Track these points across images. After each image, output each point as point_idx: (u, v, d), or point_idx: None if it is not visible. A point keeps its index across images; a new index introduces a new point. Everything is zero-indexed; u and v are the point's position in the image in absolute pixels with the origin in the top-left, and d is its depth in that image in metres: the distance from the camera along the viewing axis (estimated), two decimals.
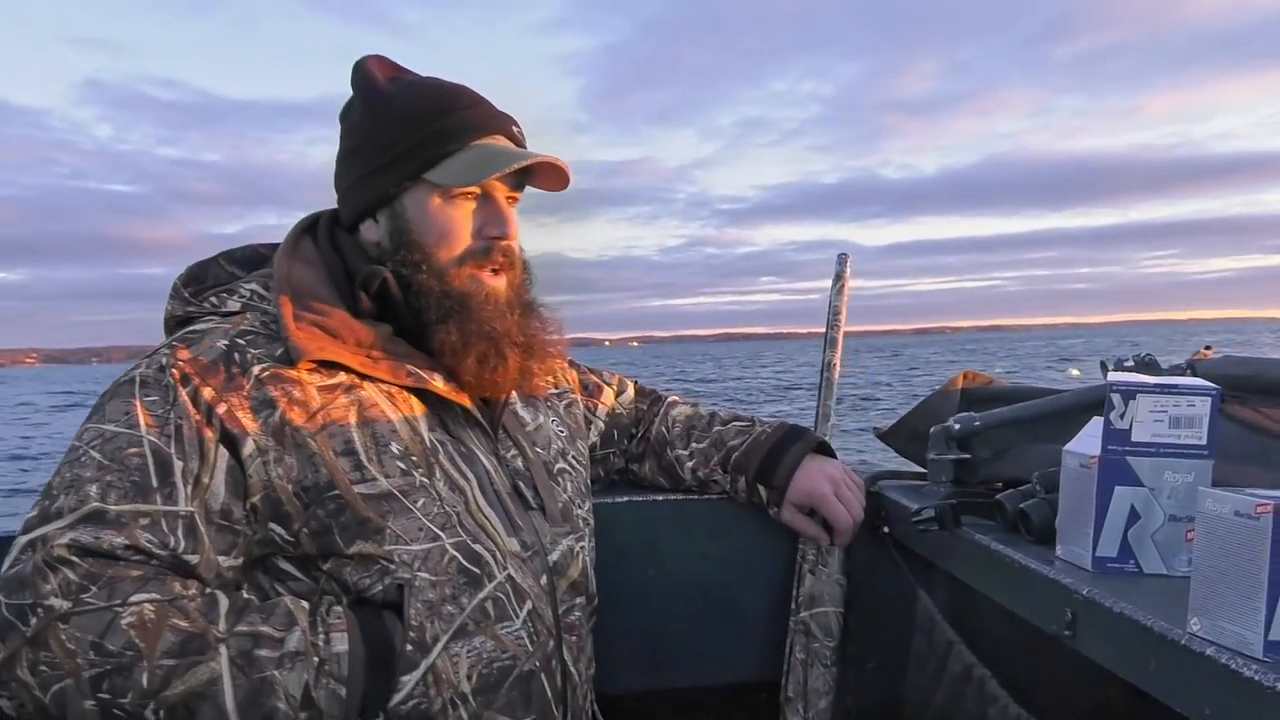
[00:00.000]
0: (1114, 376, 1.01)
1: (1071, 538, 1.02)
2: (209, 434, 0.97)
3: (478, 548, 1.05)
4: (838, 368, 1.53)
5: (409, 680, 0.96)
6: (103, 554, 0.90)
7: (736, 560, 1.48)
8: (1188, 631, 0.79)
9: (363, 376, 1.06)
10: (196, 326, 1.07)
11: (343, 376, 1.05)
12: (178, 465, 0.95)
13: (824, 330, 1.54)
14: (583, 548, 1.20)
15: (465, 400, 1.11)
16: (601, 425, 1.45)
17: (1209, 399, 0.97)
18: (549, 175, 1.16)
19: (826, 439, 1.44)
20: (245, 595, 0.96)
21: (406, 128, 1.09)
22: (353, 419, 1.03)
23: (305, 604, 0.96)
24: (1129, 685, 0.86)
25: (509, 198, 1.15)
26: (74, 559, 0.89)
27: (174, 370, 0.99)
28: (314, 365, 1.04)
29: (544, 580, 1.11)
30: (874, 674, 1.46)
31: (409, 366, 1.08)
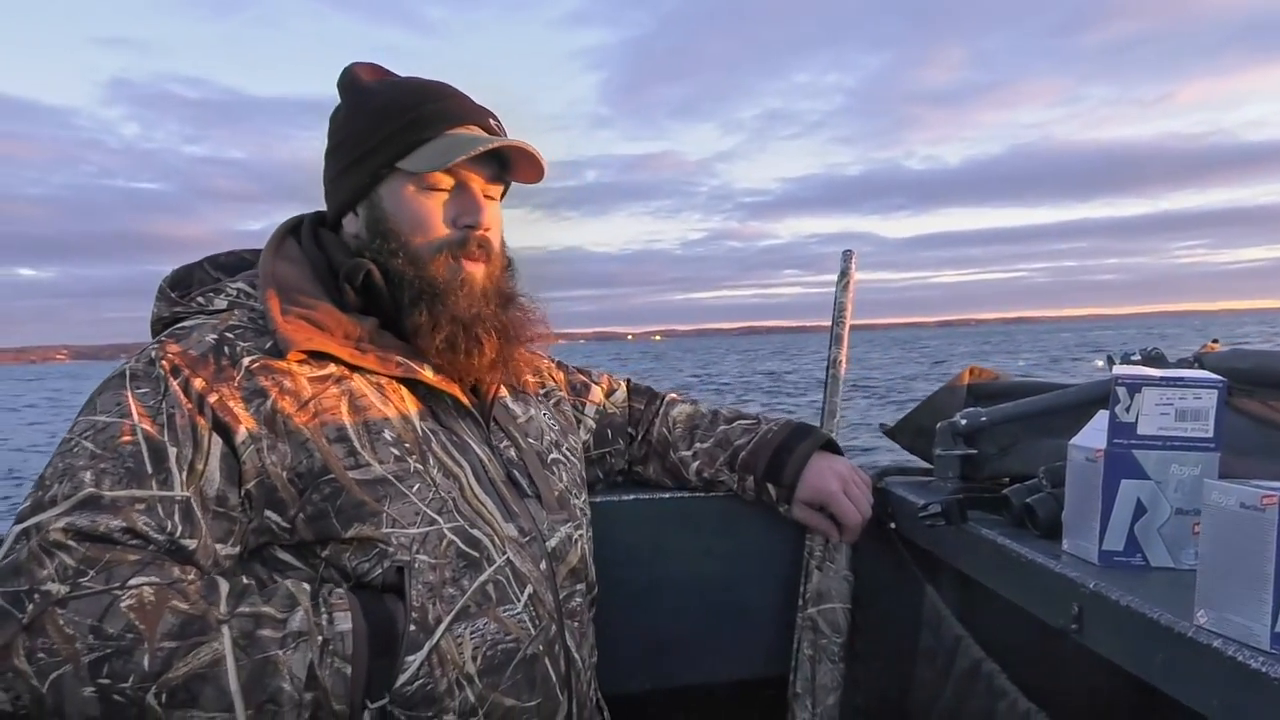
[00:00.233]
0: (1119, 370, 1.01)
1: (1078, 532, 1.02)
2: (201, 422, 0.97)
3: (475, 532, 1.05)
4: (844, 364, 1.53)
5: (414, 660, 0.96)
6: (100, 538, 0.89)
7: (742, 557, 1.48)
8: (1194, 624, 0.79)
9: (352, 368, 1.07)
10: (185, 323, 1.08)
11: (332, 368, 1.06)
12: (171, 451, 0.95)
13: (844, 326, 1.54)
14: (581, 535, 1.20)
15: (455, 389, 1.12)
16: (592, 424, 1.45)
17: (1215, 391, 0.97)
18: (526, 168, 1.17)
19: (833, 436, 1.44)
20: (245, 580, 0.96)
21: (382, 119, 1.11)
22: (344, 408, 1.03)
23: (306, 586, 0.96)
24: (1137, 679, 0.86)
25: (487, 191, 1.16)
26: (70, 543, 0.88)
27: (164, 362, 1.00)
28: (304, 357, 1.04)
29: (543, 565, 1.11)
30: (881, 670, 1.46)
31: (397, 357, 1.09)
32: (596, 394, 1.48)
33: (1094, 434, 1.02)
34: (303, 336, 1.04)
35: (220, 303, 1.11)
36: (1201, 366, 1.16)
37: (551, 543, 1.13)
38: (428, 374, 1.10)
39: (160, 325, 1.12)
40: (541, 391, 1.35)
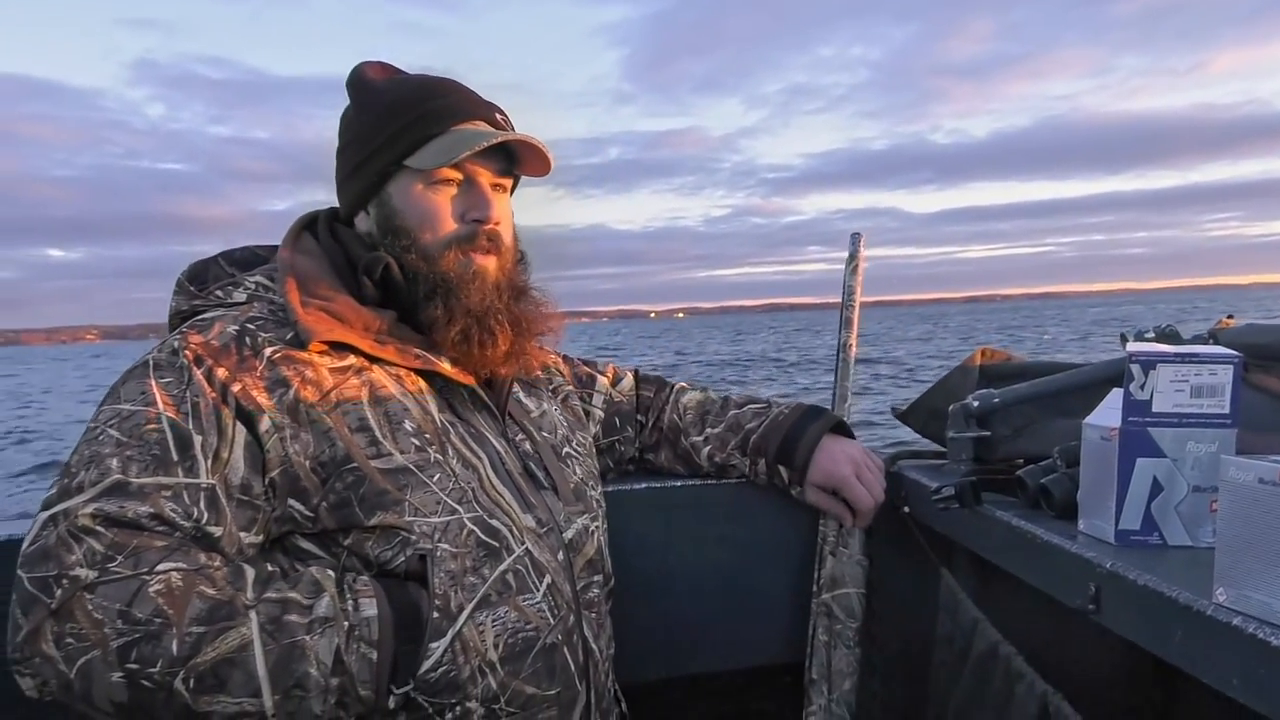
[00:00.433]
0: (1133, 347, 1.00)
1: (1094, 511, 1.01)
2: (225, 411, 0.98)
3: (494, 522, 1.06)
4: (854, 348, 1.52)
5: (438, 647, 0.97)
6: (128, 523, 0.90)
7: (756, 544, 1.48)
8: (1213, 602, 0.78)
9: (372, 359, 1.08)
10: (205, 315, 1.09)
11: (352, 359, 1.07)
12: (197, 440, 0.96)
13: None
14: (597, 527, 1.21)
15: (472, 382, 1.13)
16: (600, 414, 1.46)
17: (1231, 367, 0.96)
18: (533, 161, 1.18)
19: (845, 419, 1.43)
20: (270, 567, 0.97)
21: (389, 117, 1.12)
22: (365, 398, 1.04)
23: (331, 573, 0.96)
24: (1156, 658, 0.85)
25: (495, 185, 1.16)
26: (99, 529, 0.88)
27: (187, 352, 1.00)
28: (324, 348, 1.05)
29: (560, 556, 1.12)
30: (898, 654, 1.46)
31: (416, 350, 1.10)
32: (602, 384, 1.48)
33: (1108, 413, 1.01)
34: (324, 327, 1.05)
35: (239, 295, 1.12)
36: (1216, 342, 1.15)
37: (568, 534, 1.14)
38: (446, 366, 1.11)
39: (179, 318, 1.13)
40: (550, 388, 1.36)
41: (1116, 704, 1.34)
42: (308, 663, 0.89)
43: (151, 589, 0.87)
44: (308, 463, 0.99)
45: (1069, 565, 0.98)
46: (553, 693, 1.06)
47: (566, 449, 1.25)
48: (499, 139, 1.11)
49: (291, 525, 1.01)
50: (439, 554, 1.00)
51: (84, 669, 0.84)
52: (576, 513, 1.17)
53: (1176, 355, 0.96)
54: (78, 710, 0.87)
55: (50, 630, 0.84)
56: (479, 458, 1.09)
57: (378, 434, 1.02)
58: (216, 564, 0.92)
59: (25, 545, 0.89)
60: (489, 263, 1.15)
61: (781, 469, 1.37)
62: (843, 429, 1.41)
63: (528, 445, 1.18)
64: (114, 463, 0.92)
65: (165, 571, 0.88)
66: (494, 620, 1.02)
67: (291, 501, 1.00)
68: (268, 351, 1.03)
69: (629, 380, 1.52)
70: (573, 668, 1.09)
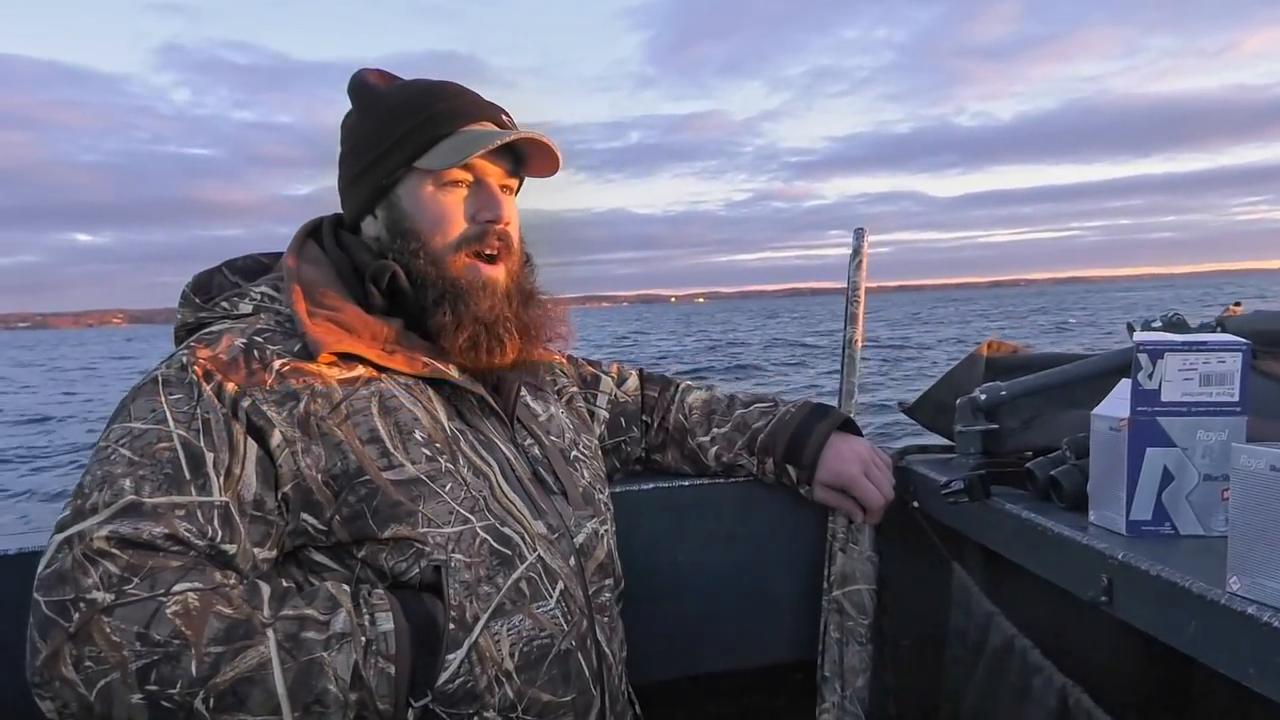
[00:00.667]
0: (1140, 336, 0.99)
1: (1104, 503, 1.01)
2: (236, 426, 0.98)
3: (506, 530, 1.06)
4: (859, 343, 1.52)
5: (454, 658, 0.97)
6: (143, 545, 0.90)
7: (765, 542, 1.48)
8: (1227, 591, 0.78)
9: (380, 369, 1.07)
10: (212, 328, 1.08)
11: (361, 370, 1.06)
12: (209, 457, 0.96)
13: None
14: (606, 531, 1.21)
15: (480, 389, 1.13)
16: (605, 415, 1.45)
17: (1239, 354, 0.95)
18: (541, 161, 1.18)
19: (851, 415, 1.43)
20: (285, 583, 0.97)
21: (396, 120, 1.12)
22: (375, 409, 1.04)
23: (346, 588, 0.96)
24: (1170, 648, 0.85)
25: (504, 186, 1.17)
26: (114, 551, 0.88)
27: (195, 368, 1.00)
28: (333, 359, 1.05)
29: (572, 561, 1.12)
30: (911, 649, 1.45)
31: (424, 358, 1.10)
32: (607, 384, 1.48)
33: (1117, 403, 1.01)
34: (332, 339, 1.05)
35: (245, 307, 1.12)
36: (1224, 330, 1.14)
37: (579, 539, 1.14)
38: (454, 374, 1.10)
39: (185, 331, 1.13)
40: (555, 389, 1.36)
41: (1133, 694, 1.33)
42: (326, 679, 0.89)
43: (169, 610, 0.87)
44: (320, 476, 0.99)
45: (1080, 557, 0.98)
46: (568, 699, 1.06)
47: (574, 452, 1.25)
48: (511, 137, 1.11)
49: (305, 539, 1.01)
50: (453, 564, 1.00)
51: (104, 692, 0.84)
52: (586, 517, 1.17)
53: (1184, 344, 0.95)
54: None
55: (69, 654, 0.85)
56: (489, 465, 1.09)
57: (389, 445, 1.02)
58: (232, 582, 0.92)
59: (41, 568, 0.89)
60: (498, 272, 1.15)
61: (790, 468, 1.37)
62: (850, 426, 1.40)
63: (536, 450, 1.18)
64: (127, 483, 0.92)
65: (182, 592, 0.88)
66: (509, 629, 1.02)
67: (304, 515, 0.99)
68: (276, 364, 1.02)
69: (634, 380, 1.52)
70: (587, 673, 1.09)
